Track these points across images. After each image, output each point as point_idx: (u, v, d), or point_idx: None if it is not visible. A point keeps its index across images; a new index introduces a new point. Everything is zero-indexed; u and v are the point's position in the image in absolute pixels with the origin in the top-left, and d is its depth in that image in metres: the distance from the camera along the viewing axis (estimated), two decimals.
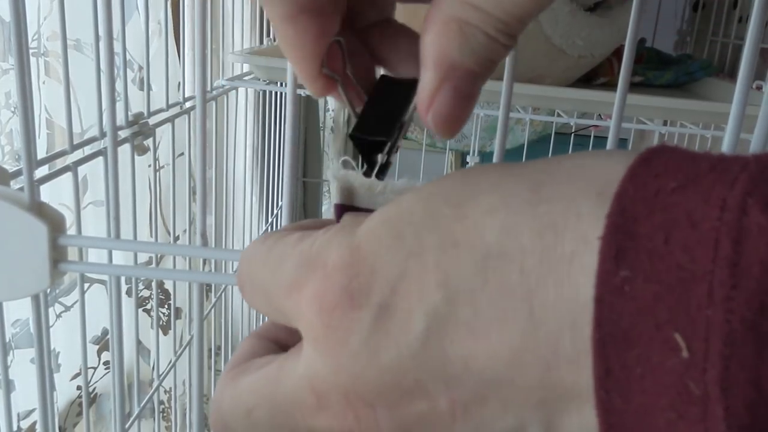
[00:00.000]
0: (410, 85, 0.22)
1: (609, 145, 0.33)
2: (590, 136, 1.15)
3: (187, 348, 0.70)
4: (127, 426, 0.50)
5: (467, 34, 0.19)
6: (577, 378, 0.15)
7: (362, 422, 0.18)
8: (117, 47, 0.50)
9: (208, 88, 0.79)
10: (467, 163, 1.12)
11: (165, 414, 0.95)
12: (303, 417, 0.19)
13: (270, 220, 1.07)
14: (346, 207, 0.25)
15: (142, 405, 0.60)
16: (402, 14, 0.25)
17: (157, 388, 0.65)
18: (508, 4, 0.19)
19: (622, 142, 1.28)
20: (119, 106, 0.49)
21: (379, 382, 0.17)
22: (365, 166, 0.23)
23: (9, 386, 0.37)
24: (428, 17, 0.20)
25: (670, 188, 0.14)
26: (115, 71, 0.50)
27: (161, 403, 0.93)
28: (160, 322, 0.97)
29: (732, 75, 1.06)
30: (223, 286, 0.86)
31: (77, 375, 0.89)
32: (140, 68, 0.88)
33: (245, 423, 0.20)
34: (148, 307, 0.94)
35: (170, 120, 0.59)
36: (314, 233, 0.20)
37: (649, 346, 0.14)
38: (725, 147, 0.30)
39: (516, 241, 0.16)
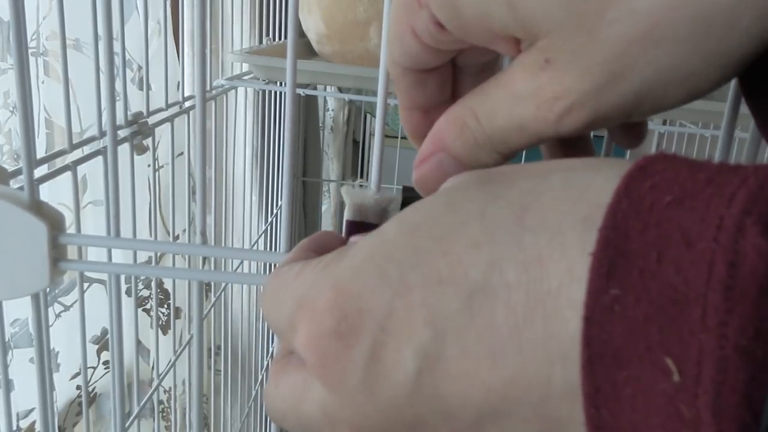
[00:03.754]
0: None
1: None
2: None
3: (187, 347, 0.70)
4: (126, 425, 0.50)
5: (464, 134, 0.23)
6: (572, 410, 0.15)
7: None
8: (116, 47, 0.50)
9: (208, 88, 0.79)
10: None
11: (165, 414, 0.95)
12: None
13: (270, 219, 1.07)
14: (357, 223, 0.27)
15: (141, 405, 0.60)
16: None
17: (157, 388, 0.65)
18: (497, 129, 0.22)
19: None
20: (118, 105, 0.49)
21: (381, 417, 0.18)
22: None
23: (8, 386, 0.37)
24: (455, 103, 0.23)
25: (666, 202, 0.14)
26: (115, 71, 0.50)
27: (161, 402, 0.93)
28: (160, 322, 0.97)
29: None
30: (223, 285, 0.86)
31: (77, 374, 0.89)
32: (139, 68, 0.88)
33: (283, 422, 0.22)
34: (148, 306, 0.94)
35: (169, 119, 0.59)
36: (310, 265, 0.21)
37: (640, 368, 0.13)
38: (719, 145, 0.31)
39: (501, 276, 0.16)
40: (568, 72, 0.19)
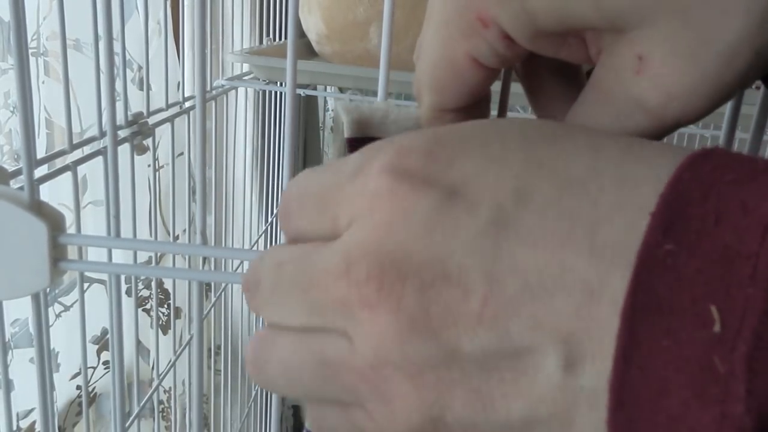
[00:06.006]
0: None
1: None
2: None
3: (187, 347, 0.71)
4: (126, 425, 0.50)
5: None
6: (613, 320, 0.15)
7: (383, 294, 0.17)
8: (116, 47, 0.50)
9: (208, 88, 0.79)
10: None
11: (165, 413, 0.95)
12: (323, 282, 0.18)
13: (270, 219, 1.07)
14: (359, 140, 0.25)
15: (141, 405, 0.60)
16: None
17: (157, 388, 0.65)
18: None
19: None
20: (119, 105, 0.49)
21: (423, 257, 0.16)
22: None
23: (8, 386, 0.37)
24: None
25: (727, 180, 0.15)
26: (115, 71, 0.50)
27: (161, 402, 0.93)
28: (160, 322, 0.97)
29: None
30: (223, 285, 0.86)
31: (77, 375, 0.89)
32: (140, 68, 0.88)
33: (273, 272, 0.20)
34: (148, 306, 0.95)
35: (170, 120, 0.59)
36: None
37: (682, 319, 0.14)
38: (720, 145, 0.31)
39: (598, 180, 0.16)
40: (668, 66, 0.19)
